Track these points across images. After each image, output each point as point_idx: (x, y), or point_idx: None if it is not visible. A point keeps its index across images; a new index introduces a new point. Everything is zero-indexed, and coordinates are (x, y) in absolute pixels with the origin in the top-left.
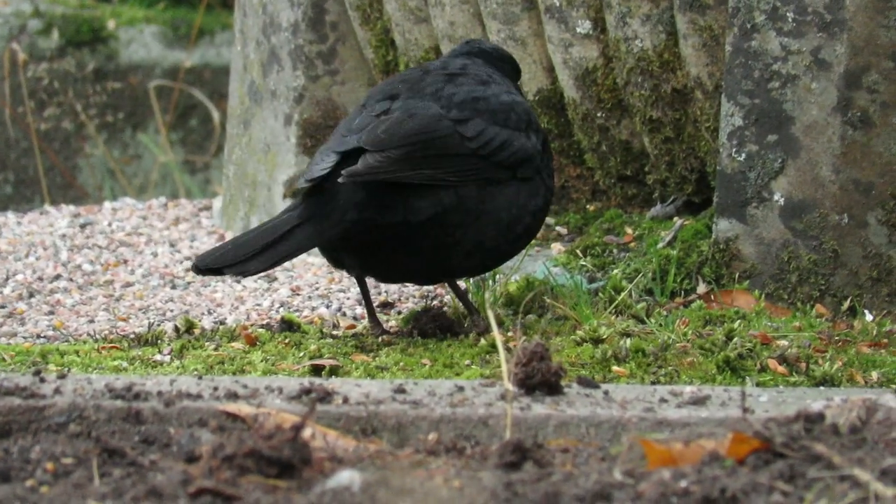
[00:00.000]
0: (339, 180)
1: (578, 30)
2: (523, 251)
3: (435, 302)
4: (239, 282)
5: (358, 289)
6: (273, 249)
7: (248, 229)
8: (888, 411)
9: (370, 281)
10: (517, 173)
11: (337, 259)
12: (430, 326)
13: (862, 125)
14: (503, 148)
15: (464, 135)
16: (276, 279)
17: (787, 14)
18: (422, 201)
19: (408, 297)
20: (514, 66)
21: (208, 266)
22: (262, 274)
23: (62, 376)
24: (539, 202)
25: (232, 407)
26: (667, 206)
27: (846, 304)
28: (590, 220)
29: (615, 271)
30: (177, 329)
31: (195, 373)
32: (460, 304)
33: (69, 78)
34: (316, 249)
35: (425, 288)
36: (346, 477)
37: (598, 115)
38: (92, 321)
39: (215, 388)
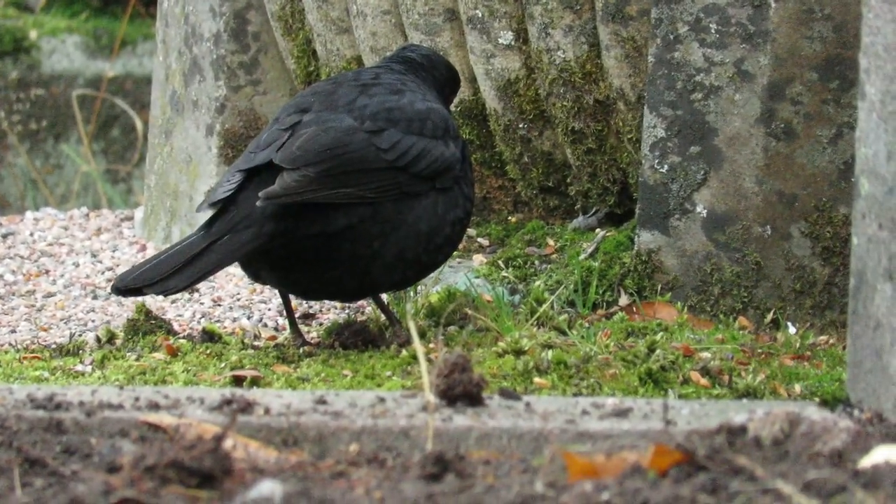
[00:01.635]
0: (258, 203)
1: (500, 41)
2: (444, 263)
3: (356, 314)
4: (164, 295)
5: (279, 300)
6: (193, 266)
7: (169, 240)
8: (811, 424)
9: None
10: (436, 184)
11: (257, 275)
12: (353, 341)
13: (785, 137)
14: (420, 158)
15: (379, 146)
16: (197, 290)
17: (711, 25)
18: (337, 212)
19: (329, 308)
20: (448, 72)
21: (128, 286)
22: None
23: None
24: (459, 213)
25: (153, 417)
26: (589, 218)
27: (769, 317)
28: (511, 232)
29: (537, 283)
30: (98, 339)
31: (116, 383)
32: (382, 315)
33: None
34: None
35: None
36: (268, 487)
37: (520, 126)
38: (13, 331)
39: (137, 399)
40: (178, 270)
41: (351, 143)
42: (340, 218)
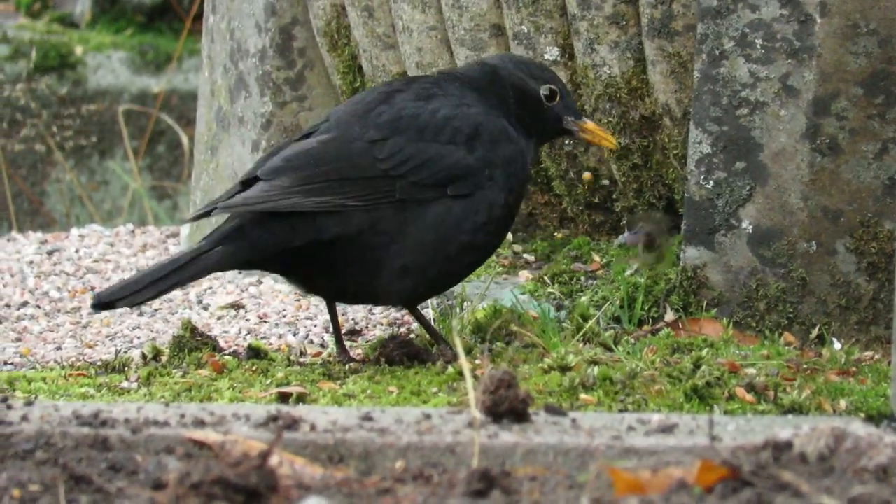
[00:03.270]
0: (212, 213)
1: (546, 56)
2: (480, 270)
3: (402, 329)
4: (130, 307)
5: (325, 317)
6: (170, 277)
7: None
8: (856, 440)
9: (339, 307)
10: (448, 190)
11: (296, 284)
12: (397, 354)
13: (830, 152)
14: (424, 166)
15: (377, 156)
16: (243, 307)
17: (756, 41)
18: (329, 220)
19: (375, 324)
20: (514, 91)
21: (101, 300)
22: (227, 303)
23: (29, 403)
24: (480, 218)
25: (199, 434)
26: (634, 234)
27: (814, 333)
28: (557, 248)
29: (583, 299)
30: (144, 356)
31: (162, 400)
32: (427, 332)
33: (38, 103)
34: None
35: (393, 315)
36: None
37: (566, 141)
38: (59, 348)
39: (182, 416)
40: (156, 281)
41: (343, 153)
42: (332, 227)
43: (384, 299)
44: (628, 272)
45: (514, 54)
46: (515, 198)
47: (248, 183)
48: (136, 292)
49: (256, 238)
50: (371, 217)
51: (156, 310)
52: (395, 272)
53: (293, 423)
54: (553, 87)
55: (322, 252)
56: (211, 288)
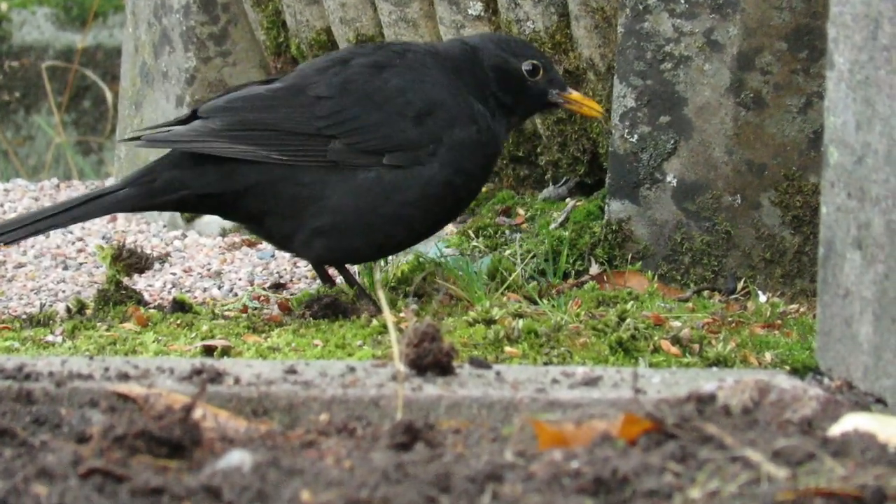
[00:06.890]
0: (136, 144)
1: (470, 11)
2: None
3: (327, 285)
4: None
5: (248, 269)
6: (59, 216)
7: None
8: (780, 392)
9: (264, 261)
10: (384, 160)
11: None
12: (322, 313)
13: (755, 106)
14: (361, 131)
15: (315, 113)
16: (167, 260)
17: None
18: (250, 171)
19: (300, 277)
20: (496, 70)
21: None
22: (156, 258)
23: None
24: (412, 193)
25: (123, 387)
26: (559, 188)
27: (739, 286)
28: (482, 201)
29: (507, 252)
30: (69, 310)
31: (87, 353)
32: (351, 286)
33: None
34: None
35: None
36: (237, 457)
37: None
38: None
39: (106, 369)
40: (39, 220)
41: (284, 104)
42: (252, 177)
43: (309, 255)
44: (553, 226)
45: (495, 33)
46: (465, 180)
47: (191, 117)
48: (16, 229)
49: (167, 181)
50: (295, 174)
51: (80, 264)
52: (310, 232)
53: (217, 377)
54: (535, 62)
55: (240, 202)
56: (136, 241)
